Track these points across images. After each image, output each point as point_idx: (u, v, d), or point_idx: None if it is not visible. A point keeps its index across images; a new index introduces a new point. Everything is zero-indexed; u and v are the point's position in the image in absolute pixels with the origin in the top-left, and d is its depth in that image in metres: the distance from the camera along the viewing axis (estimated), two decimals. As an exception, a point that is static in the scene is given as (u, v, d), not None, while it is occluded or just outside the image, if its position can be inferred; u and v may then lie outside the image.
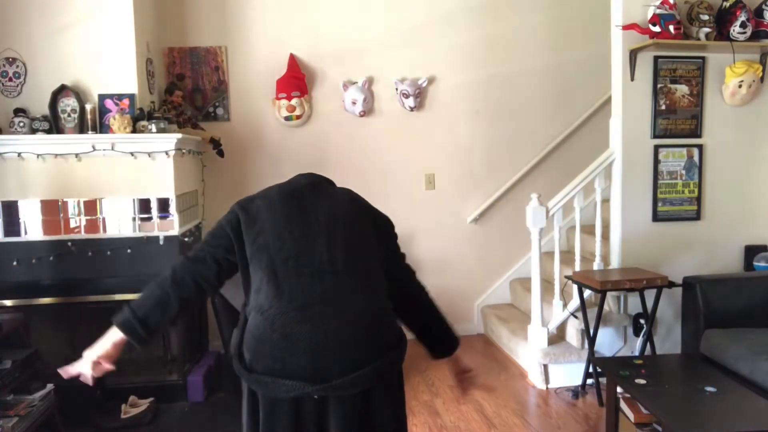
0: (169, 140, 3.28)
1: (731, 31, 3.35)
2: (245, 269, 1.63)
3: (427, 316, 1.88)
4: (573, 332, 3.60)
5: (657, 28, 3.28)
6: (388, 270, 1.73)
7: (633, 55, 3.44)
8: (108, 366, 1.67)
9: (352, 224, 1.68)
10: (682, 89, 3.52)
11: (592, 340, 3.32)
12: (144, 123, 3.33)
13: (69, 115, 3.31)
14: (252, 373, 1.56)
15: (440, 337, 1.89)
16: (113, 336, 1.66)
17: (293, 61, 4.18)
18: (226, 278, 1.69)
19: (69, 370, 1.68)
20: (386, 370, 1.60)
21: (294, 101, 4.13)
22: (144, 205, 3.30)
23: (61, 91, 3.30)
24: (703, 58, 3.51)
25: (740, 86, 3.46)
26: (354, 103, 4.24)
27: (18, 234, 3.23)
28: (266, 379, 1.54)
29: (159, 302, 1.64)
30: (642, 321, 3.36)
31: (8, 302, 3.21)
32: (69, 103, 3.31)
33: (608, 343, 3.57)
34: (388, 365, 1.60)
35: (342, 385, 1.52)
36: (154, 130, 3.30)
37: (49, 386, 2.86)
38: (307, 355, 1.51)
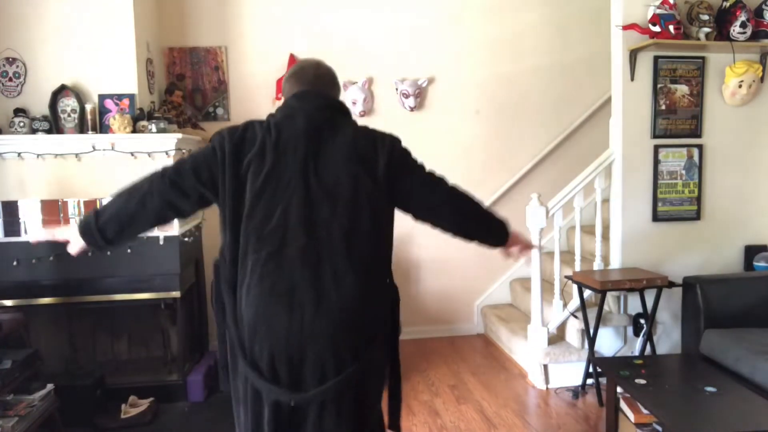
0: (169, 140, 3.28)
1: (731, 31, 3.35)
2: (224, 216, 1.55)
3: (467, 227, 1.74)
4: (573, 332, 3.59)
5: (657, 28, 3.28)
6: (414, 211, 1.65)
7: (633, 55, 3.44)
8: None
9: (352, 193, 1.53)
10: (682, 89, 3.52)
11: (592, 340, 3.32)
12: (144, 123, 3.33)
13: (69, 115, 3.31)
14: (245, 359, 1.54)
15: (488, 236, 1.77)
16: (75, 233, 1.64)
17: (293, 61, 4.17)
18: (200, 210, 1.66)
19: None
20: (361, 375, 1.54)
21: (294, 101, 4.12)
22: (144, 205, 3.29)
23: (61, 91, 3.30)
24: (703, 58, 3.51)
25: (740, 86, 3.46)
26: (354, 103, 4.24)
27: (18, 234, 3.23)
28: (251, 374, 1.53)
29: (122, 217, 1.59)
30: (642, 321, 3.36)
31: (8, 302, 3.21)
32: (69, 103, 3.31)
33: (608, 343, 3.57)
34: (363, 369, 1.54)
35: (317, 394, 1.50)
36: (154, 130, 3.30)
37: (49, 386, 2.86)
38: (284, 341, 1.48)
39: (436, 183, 1.66)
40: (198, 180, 1.55)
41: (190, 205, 1.59)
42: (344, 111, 1.69)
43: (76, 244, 1.64)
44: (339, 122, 1.62)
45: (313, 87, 1.67)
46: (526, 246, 1.82)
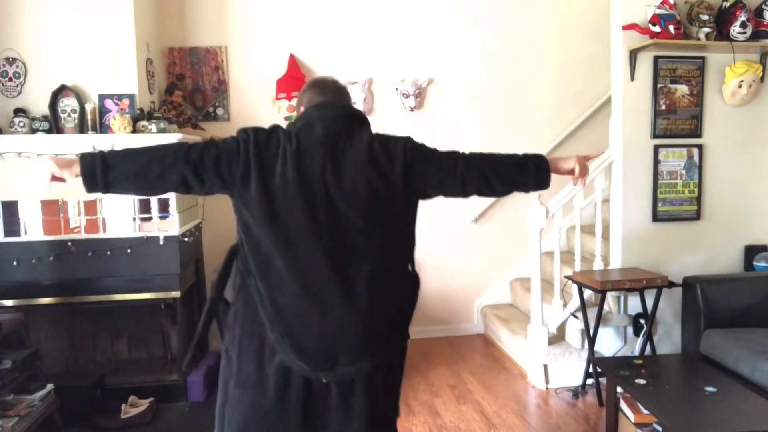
0: (169, 140, 3.28)
1: (731, 31, 3.35)
2: (243, 213, 1.61)
3: (500, 182, 1.71)
4: (573, 332, 3.59)
5: (657, 28, 3.29)
6: (445, 192, 1.69)
7: (633, 55, 3.44)
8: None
9: (369, 196, 1.59)
10: (682, 89, 3.51)
11: (592, 340, 3.32)
12: (144, 123, 3.33)
13: (69, 115, 3.31)
14: (277, 338, 1.62)
15: (527, 180, 1.75)
16: (74, 167, 1.59)
17: (293, 61, 4.18)
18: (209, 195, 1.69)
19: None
20: (387, 358, 1.67)
21: (294, 101, 4.13)
22: (144, 205, 3.30)
23: (61, 91, 3.30)
24: (703, 58, 3.51)
25: (740, 86, 3.46)
26: (354, 103, 4.23)
27: (18, 234, 3.22)
28: (284, 351, 1.61)
29: (137, 181, 1.60)
30: (642, 321, 3.36)
31: (8, 302, 3.21)
32: (69, 103, 3.31)
33: (608, 343, 3.57)
34: (391, 354, 1.68)
35: (344, 372, 1.61)
36: (154, 130, 3.30)
37: (49, 386, 2.86)
38: (316, 338, 1.59)
39: (454, 158, 1.68)
40: (216, 172, 1.59)
41: (203, 190, 1.64)
42: (361, 119, 1.75)
43: (57, 176, 1.62)
44: (355, 130, 1.68)
45: (333, 97, 1.75)
46: (580, 161, 1.81)
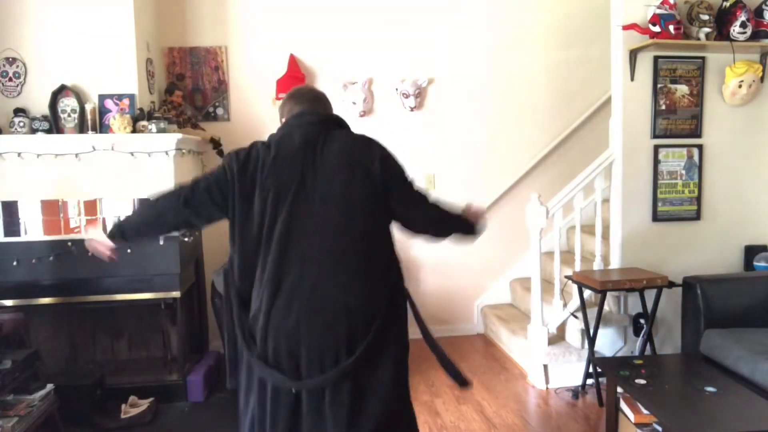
0: (169, 140, 3.28)
1: (731, 31, 3.35)
2: (233, 227, 1.70)
3: (446, 234, 1.93)
4: (573, 332, 3.59)
5: (657, 28, 3.29)
6: (398, 219, 1.77)
7: (633, 55, 3.44)
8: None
9: (346, 197, 1.64)
10: (682, 89, 3.51)
11: (592, 340, 3.32)
12: (144, 123, 3.33)
13: (69, 115, 3.32)
14: (250, 351, 1.67)
15: (462, 235, 1.94)
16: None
17: (293, 61, 4.18)
18: (211, 224, 1.81)
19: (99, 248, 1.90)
20: (357, 367, 1.63)
21: (294, 101, 4.13)
22: (144, 205, 3.30)
23: (61, 91, 3.30)
24: (703, 58, 3.51)
25: (740, 86, 3.46)
26: (354, 103, 4.24)
27: (18, 234, 3.23)
28: (257, 363, 1.65)
29: (142, 229, 1.87)
30: (642, 321, 3.36)
31: (8, 302, 3.21)
32: (69, 103, 3.31)
33: (608, 343, 3.57)
34: (360, 362, 1.63)
35: (312, 383, 1.61)
36: (154, 130, 3.30)
37: (49, 386, 2.85)
38: (284, 337, 1.61)
39: (422, 200, 1.79)
40: (210, 199, 1.70)
41: (201, 222, 1.77)
42: (341, 124, 1.81)
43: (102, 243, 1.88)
44: (334, 133, 1.73)
45: (310, 106, 1.82)
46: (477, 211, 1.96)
